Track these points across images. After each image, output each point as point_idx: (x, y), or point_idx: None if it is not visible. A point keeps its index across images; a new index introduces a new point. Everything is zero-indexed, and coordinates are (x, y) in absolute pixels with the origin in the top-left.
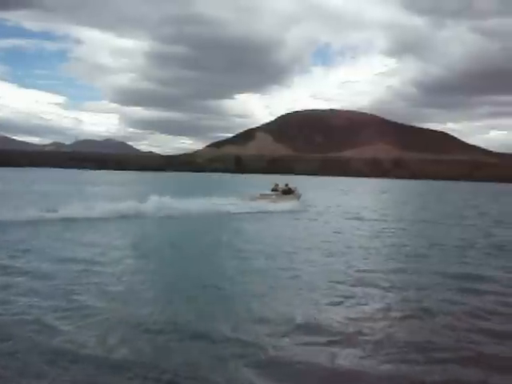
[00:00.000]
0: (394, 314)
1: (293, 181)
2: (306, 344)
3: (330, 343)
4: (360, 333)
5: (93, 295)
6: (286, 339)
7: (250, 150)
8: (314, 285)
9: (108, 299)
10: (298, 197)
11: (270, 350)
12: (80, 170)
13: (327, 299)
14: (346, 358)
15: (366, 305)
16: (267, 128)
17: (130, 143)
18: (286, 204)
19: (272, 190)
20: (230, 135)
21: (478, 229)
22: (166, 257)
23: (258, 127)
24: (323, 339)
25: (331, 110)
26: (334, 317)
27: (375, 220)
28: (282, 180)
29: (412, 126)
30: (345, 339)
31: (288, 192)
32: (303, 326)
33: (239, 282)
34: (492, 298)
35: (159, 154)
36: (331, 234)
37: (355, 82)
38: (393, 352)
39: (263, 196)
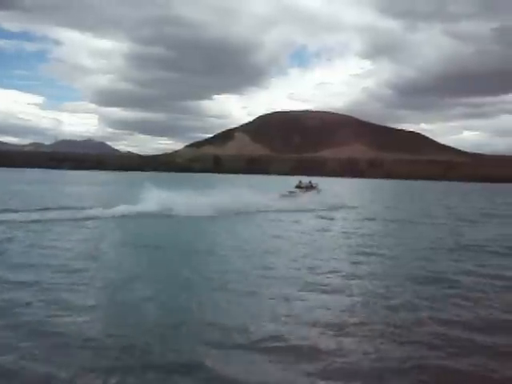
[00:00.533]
0: (352, 323)
1: (270, 180)
2: (252, 360)
3: (278, 359)
4: (314, 346)
5: (38, 307)
6: (232, 355)
7: (228, 150)
8: (274, 290)
9: (51, 311)
10: (319, 191)
11: (216, 365)
12: (59, 170)
13: (284, 306)
14: (294, 375)
15: (324, 313)
16: (245, 128)
17: (109, 143)
18: (311, 197)
19: (296, 187)
20: (209, 135)
21: (449, 228)
22: (124, 262)
23: (236, 128)
24: (271, 354)
25: (308, 110)
26: (285, 328)
27: (344, 219)
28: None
29: (387, 127)
30: (295, 353)
31: (311, 188)
32: (253, 340)
33: (188, 286)
34: (457, 302)
35: (138, 154)
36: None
37: (331, 84)
38: (348, 367)
39: (291, 193)
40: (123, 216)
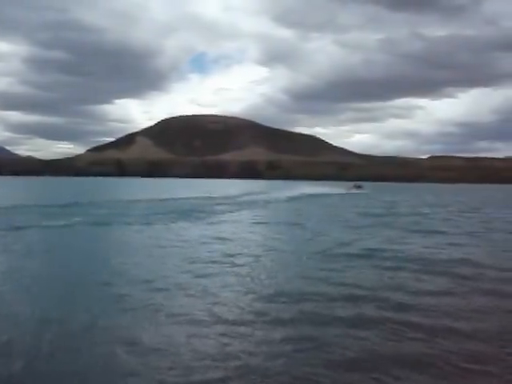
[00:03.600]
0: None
1: (173, 183)
2: None
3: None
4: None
5: None
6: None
7: (130, 153)
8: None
9: None
10: (363, 188)
11: None
12: None
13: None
14: None
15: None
16: (147, 132)
17: (7, 148)
18: (362, 191)
19: (354, 186)
20: (111, 139)
21: (319, 231)
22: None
23: (138, 132)
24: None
25: (209, 115)
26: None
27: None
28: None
29: (284, 130)
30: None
31: (360, 187)
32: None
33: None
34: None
35: (39, 159)
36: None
37: (230, 89)
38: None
39: (352, 188)
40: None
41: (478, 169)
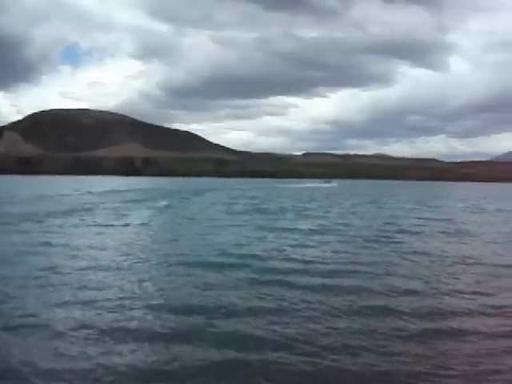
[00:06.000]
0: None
1: (45, 181)
2: None
3: None
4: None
5: None
6: None
7: None
8: None
9: None
10: (332, 182)
11: None
12: None
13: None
14: None
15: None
16: (15, 127)
17: None
18: (333, 185)
19: (325, 181)
20: None
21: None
22: None
23: (4, 126)
24: None
25: (82, 109)
26: None
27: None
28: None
29: (161, 126)
30: None
31: (330, 181)
32: None
33: None
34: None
35: None
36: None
37: (104, 83)
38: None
39: (326, 181)
40: None
41: (350, 165)
